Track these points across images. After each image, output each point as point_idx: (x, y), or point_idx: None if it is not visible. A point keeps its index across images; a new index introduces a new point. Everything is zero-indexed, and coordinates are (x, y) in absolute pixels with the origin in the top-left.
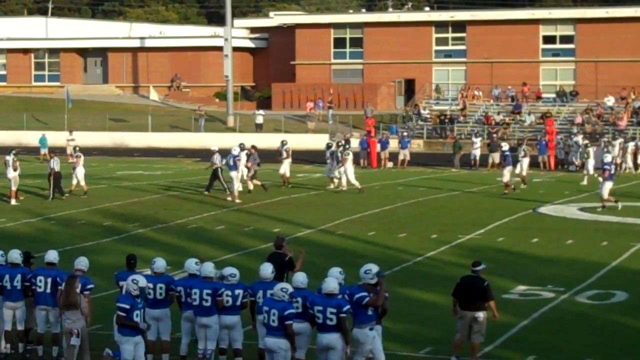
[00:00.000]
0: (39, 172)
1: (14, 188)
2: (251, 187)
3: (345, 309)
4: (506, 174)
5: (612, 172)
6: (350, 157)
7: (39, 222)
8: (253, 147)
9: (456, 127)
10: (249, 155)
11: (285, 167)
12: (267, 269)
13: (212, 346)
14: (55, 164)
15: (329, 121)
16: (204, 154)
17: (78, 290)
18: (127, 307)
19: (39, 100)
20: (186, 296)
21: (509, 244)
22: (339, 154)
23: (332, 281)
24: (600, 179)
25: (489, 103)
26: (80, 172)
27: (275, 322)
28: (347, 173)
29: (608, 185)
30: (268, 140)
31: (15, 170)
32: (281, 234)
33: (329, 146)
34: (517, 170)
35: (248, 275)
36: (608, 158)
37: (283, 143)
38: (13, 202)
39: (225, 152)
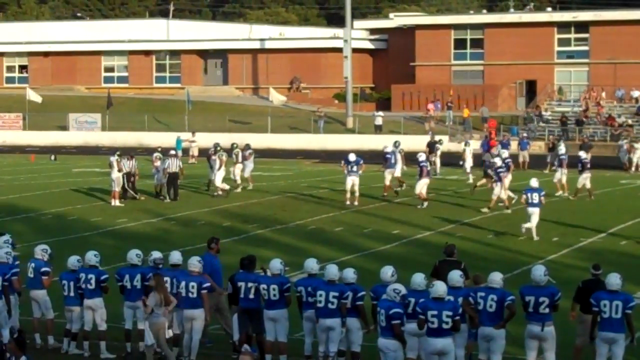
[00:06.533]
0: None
1: (116, 189)
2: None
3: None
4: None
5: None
6: (224, 159)
7: (159, 222)
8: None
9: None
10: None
11: (237, 172)
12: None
13: (334, 348)
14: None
15: (449, 122)
16: (324, 155)
17: None
18: None
19: (160, 101)
20: (307, 296)
21: (632, 248)
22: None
23: (441, 285)
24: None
25: (612, 104)
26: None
27: (384, 322)
28: (217, 175)
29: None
30: (386, 142)
31: (119, 171)
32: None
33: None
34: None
35: (367, 277)
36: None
37: (233, 146)
38: (114, 202)
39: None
